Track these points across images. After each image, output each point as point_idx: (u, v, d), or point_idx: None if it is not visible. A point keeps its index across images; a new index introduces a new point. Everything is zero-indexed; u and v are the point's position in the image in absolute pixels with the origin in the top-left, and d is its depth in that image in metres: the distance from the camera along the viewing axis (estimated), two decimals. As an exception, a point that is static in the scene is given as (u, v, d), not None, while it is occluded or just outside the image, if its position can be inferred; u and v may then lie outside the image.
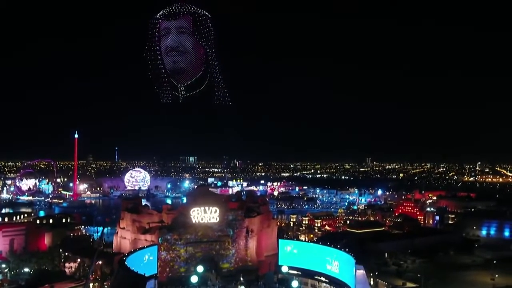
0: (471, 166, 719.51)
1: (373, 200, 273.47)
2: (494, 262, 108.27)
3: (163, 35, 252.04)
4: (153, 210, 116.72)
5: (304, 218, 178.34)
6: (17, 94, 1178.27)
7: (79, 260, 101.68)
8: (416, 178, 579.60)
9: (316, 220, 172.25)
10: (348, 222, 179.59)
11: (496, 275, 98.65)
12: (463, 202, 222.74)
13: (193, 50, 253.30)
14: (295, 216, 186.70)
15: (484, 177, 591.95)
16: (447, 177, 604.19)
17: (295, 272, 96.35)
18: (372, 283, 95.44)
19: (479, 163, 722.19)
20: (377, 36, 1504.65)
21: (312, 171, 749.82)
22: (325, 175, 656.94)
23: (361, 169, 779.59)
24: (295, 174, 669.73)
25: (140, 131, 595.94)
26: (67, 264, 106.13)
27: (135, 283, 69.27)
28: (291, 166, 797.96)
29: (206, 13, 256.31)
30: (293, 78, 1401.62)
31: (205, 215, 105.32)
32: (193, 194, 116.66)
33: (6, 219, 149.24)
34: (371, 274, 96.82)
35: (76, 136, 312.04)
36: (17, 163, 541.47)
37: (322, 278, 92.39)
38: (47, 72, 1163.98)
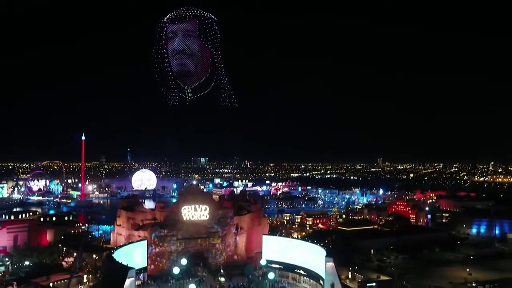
0: (484, 167, 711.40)
1: (374, 199, 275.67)
2: (471, 257, 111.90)
3: (170, 38, 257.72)
4: (146, 208, 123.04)
5: (297, 216, 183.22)
6: (31, 96, 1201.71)
7: (75, 254, 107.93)
8: (425, 178, 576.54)
9: (308, 218, 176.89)
10: (341, 220, 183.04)
11: (468, 269, 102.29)
12: (462, 201, 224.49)
13: (200, 52, 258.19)
14: (288, 214, 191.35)
15: (495, 177, 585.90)
16: (457, 177, 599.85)
17: (277, 266, 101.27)
18: (350, 276, 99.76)
19: (492, 163, 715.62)
20: (393, 38, 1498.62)
21: (323, 171, 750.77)
22: (334, 176, 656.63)
23: (372, 170, 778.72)
24: (304, 175, 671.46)
25: (153, 132, 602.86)
26: (66, 259, 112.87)
27: (119, 273, 75.38)
28: (302, 166, 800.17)
29: (212, 16, 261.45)
30: (307, 78, 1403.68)
31: (195, 213, 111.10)
32: (184, 193, 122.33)
33: (12, 217, 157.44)
34: (350, 268, 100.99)
35: (83, 138, 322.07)
36: (32, 165, 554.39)
37: (301, 272, 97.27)
38: (60, 73, 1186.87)
